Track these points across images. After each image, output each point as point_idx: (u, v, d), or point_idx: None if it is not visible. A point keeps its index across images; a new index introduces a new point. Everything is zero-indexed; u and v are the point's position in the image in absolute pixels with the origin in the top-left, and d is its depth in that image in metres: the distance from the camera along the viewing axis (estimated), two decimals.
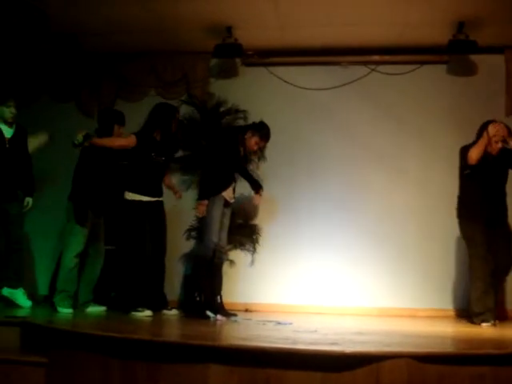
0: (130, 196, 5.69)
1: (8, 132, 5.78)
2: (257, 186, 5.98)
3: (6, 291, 5.59)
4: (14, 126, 5.82)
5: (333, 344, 3.28)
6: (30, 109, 7.06)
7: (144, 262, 5.58)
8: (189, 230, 6.77)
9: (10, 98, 5.85)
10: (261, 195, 5.99)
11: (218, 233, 5.54)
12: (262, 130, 5.79)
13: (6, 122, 5.76)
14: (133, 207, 5.66)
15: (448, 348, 3.55)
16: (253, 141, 5.75)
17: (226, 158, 5.68)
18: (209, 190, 5.61)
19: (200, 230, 5.64)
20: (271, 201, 7.13)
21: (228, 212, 5.80)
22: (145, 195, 5.70)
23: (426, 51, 7.14)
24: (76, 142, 5.42)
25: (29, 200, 5.85)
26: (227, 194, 5.70)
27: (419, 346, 3.65)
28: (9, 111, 5.74)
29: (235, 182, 5.90)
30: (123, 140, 5.76)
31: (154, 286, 5.72)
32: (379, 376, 3.01)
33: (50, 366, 3.73)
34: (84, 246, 5.60)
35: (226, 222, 5.77)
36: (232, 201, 5.83)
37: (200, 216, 5.71)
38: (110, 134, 5.79)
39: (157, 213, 5.78)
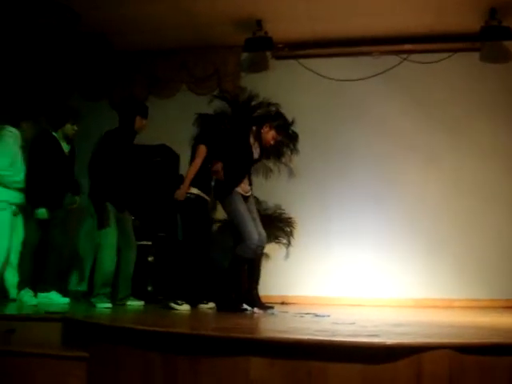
0: (195, 191, 5.66)
1: (66, 147, 5.90)
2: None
3: (41, 297, 5.65)
4: (70, 142, 5.95)
5: (372, 336, 3.26)
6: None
7: (193, 255, 5.60)
8: (222, 225, 6.81)
9: (76, 116, 5.93)
10: None
11: (255, 229, 5.35)
12: (279, 123, 5.53)
13: (66, 139, 5.86)
14: (191, 201, 5.65)
15: (488, 338, 3.50)
16: (270, 135, 5.46)
17: (236, 153, 5.49)
18: (220, 192, 5.51)
19: (237, 232, 5.40)
20: (304, 194, 7.14)
21: (251, 206, 5.58)
22: (202, 192, 5.70)
23: (459, 39, 7.07)
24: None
25: (77, 198, 5.97)
26: (241, 188, 5.46)
27: (459, 336, 3.61)
28: (72, 129, 5.83)
29: (249, 174, 5.63)
30: (200, 158, 5.63)
31: (195, 280, 5.72)
32: (420, 367, 2.98)
33: (92, 361, 3.75)
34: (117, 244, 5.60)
35: (256, 216, 5.58)
36: (248, 194, 5.56)
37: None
38: (131, 125, 5.60)
39: (205, 209, 5.79)
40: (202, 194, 5.72)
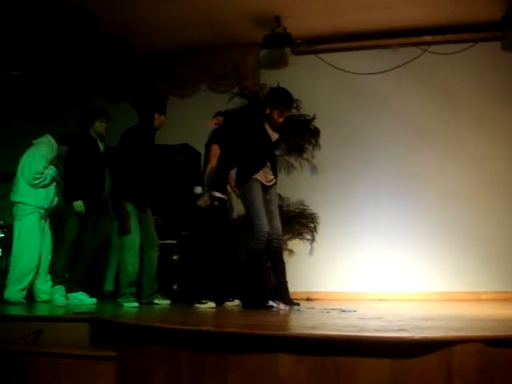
0: (199, 190, 5.65)
1: (102, 146, 5.94)
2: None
3: (70, 297, 5.71)
4: (103, 140, 5.99)
5: (401, 330, 3.24)
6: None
7: (212, 254, 5.61)
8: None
9: (103, 113, 5.96)
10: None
11: (267, 222, 5.15)
12: (278, 100, 5.31)
13: (99, 137, 5.90)
14: (214, 207, 5.64)
15: None
16: (275, 114, 5.26)
17: (251, 140, 5.33)
18: (240, 179, 5.35)
19: (249, 222, 5.26)
20: (327, 189, 7.12)
21: (272, 197, 5.39)
22: (219, 192, 5.70)
23: (479, 28, 6.99)
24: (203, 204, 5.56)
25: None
26: (262, 177, 5.26)
27: (488, 329, 3.57)
28: (102, 126, 5.88)
29: (272, 161, 5.40)
30: (215, 158, 5.62)
31: (219, 278, 5.73)
32: (450, 361, 2.95)
33: (120, 360, 3.79)
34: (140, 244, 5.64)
35: (274, 208, 5.37)
36: (271, 183, 5.37)
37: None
38: (150, 122, 5.60)
39: (225, 209, 5.79)
40: (222, 196, 5.74)
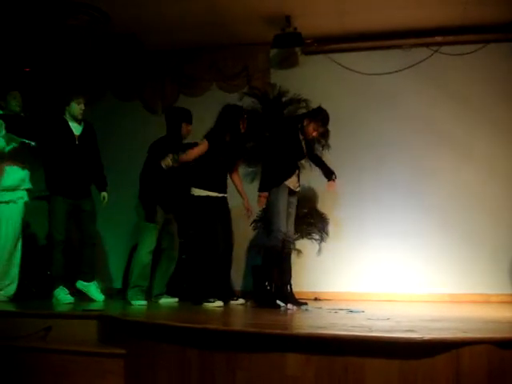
0: (197, 192, 5.74)
1: (77, 129, 5.74)
2: (329, 174, 5.86)
3: (80, 284, 5.71)
4: (82, 122, 5.80)
5: (409, 331, 3.24)
6: (94, 107, 7.19)
7: (215, 254, 5.64)
8: (255, 221, 6.82)
9: (80, 94, 5.82)
10: (334, 181, 5.86)
11: (285, 223, 5.50)
12: (318, 116, 5.68)
13: (75, 119, 5.73)
14: (201, 202, 5.72)
15: None
16: (311, 128, 5.64)
17: (287, 148, 5.63)
18: (269, 182, 5.57)
19: (267, 221, 5.57)
20: (337, 189, 7.10)
21: (294, 201, 5.73)
22: (212, 191, 5.76)
23: (490, 30, 6.95)
24: (165, 166, 5.63)
25: (104, 194, 5.90)
26: (291, 182, 5.62)
27: (498, 331, 3.57)
28: (79, 108, 5.70)
29: (299, 170, 5.82)
30: (199, 149, 5.76)
31: (223, 278, 5.77)
32: (459, 362, 2.95)
33: (129, 357, 3.81)
34: (156, 243, 5.72)
35: (292, 211, 5.71)
36: (297, 189, 5.76)
37: (260, 208, 5.73)
38: (178, 132, 5.85)
39: (223, 208, 5.83)
40: (215, 194, 5.77)
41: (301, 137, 5.71)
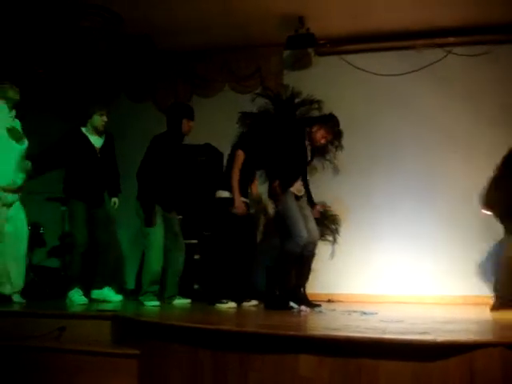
0: (223, 194, 5.72)
1: (98, 142, 5.78)
2: (311, 202, 5.74)
3: (95, 294, 5.72)
4: (103, 134, 5.83)
5: (423, 333, 3.23)
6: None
7: (235, 256, 5.64)
8: (266, 224, 6.83)
9: (103, 106, 5.81)
10: (318, 210, 5.76)
11: (305, 227, 5.38)
12: (329, 123, 5.61)
13: (96, 131, 5.75)
14: (227, 204, 5.68)
15: None
16: (319, 134, 5.55)
17: (291, 153, 5.54)
18: (274, 191, 5.49)
19: (286, 230, 5.42)
20: (349, 190, 7.09)
21: (304, 203, 5.63)
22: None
23: (503, 30, 6.91)
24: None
25: (115, 200, 5.94)
26: (295, 188, 5.53)
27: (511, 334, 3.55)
28: (101, 120, 5.72)
29: (303, 174, 5.67)
30: (238, 164, 5.69)
31: (240, 279, 5.75)
32: (473, 365, 2.93)
33: (142, 358, 3.82)
34: (163, 243, 5.64)
35: (308, 212, 5.60)
36: (301, 193, 5.61)
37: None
38: (178, 128, 5.68)
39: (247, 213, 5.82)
40: (244, 199, 5.76)
41: (307, 142, 5.62)
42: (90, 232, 5.72)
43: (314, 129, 5.55)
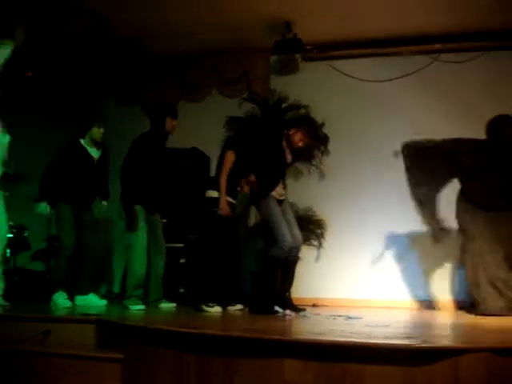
0: (213, 194, 5.69)
1: (96, 153, 5.89)
2: None
3: (79, 300, 5.70)
4: (101, 146, 5.94)
5: (408, 338, 3.25)
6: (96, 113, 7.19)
7: (222, 258, 5.63)
8: (252, 228, 6.83)
9: (101, 119, 5.92)
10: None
11: (289, 232, 5.37)
12: (305, 125, 5.61)
13: (94, 143, 5.86)
14: (214, 205, 5.65)
15: None
16: (297, 137, 5.51)
17: (269, 157, 5.52)
18: (255, 196, 5.51)
19: (270, 234, 5.43)
20: (335, 195, 7.11)
21: (286, 208, 5.63)
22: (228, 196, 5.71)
23: (489, 37, 6.96)
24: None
25: (105, 203, 6.01)
26: (276, 192, 5.51)
27: (497, 339, 3.57)
28: (99, 132, 5.82)
29: (283, 177, 5.66)
30: (227, 165, 5.65)
31: (226, 283, 5.74)
32: (457, 370, 2.94)
33: (126, 362, 3.80)
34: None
35: (291, 217, 5.61)
36: (282, 198, 5.60)
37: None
38: (162, 126, 5.65)
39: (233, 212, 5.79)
40: (231, 200, 5.75)
41: (284, 144, 5.59)
42: (77, 235, 5.73)
43: (291, 132, 5.53)
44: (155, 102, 6.26)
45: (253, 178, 5.49)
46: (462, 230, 5.84)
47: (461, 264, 5.92)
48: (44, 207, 5.76)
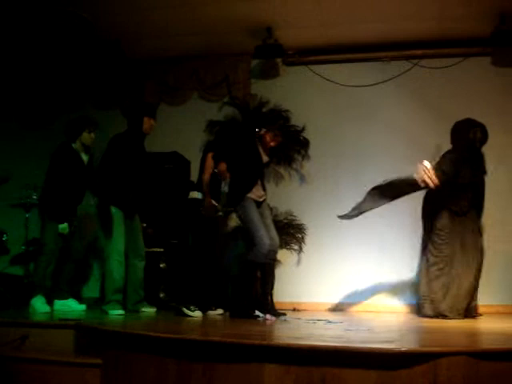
0: (195, 195, 5.70)
1: (85, 157, 5.84)
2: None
3: (58, 305, 5.65)
4: (89, 151, 5.88)
5: (387, 342, 3.26)
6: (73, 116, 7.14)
7: (203, 261, 5.62)
8: (233, 232, 6.81)
9: (91, 124, 5.84)
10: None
11: (267, 235, 5.33)
12: (274, 125, 5.61)
13: (84, 148, 5.81)
14: (197, 206, 5.67)
15: (504, 344, 3.47)
16: (267, 137, 5.50)
17: (244, 159, 5.50)
18: (234, 197, 5.48)
19: (248, 237, 5.45)
20: (315, 199, 7.11)
21: (265, 211, 5.58)
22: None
23: (470, 43, 7.03)
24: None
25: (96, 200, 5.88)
26: (254, 194, 5.45)
27: (476, 342, 3.60)
28: (89, 137, 5.77)
29: (261, 179, 5.60)
30: (209, 166, 5.68)
31: (206, 287, 5.72)
32: (436, 374, 2.97)
33: (105, 367, 3.77)
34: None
35: (269, 221, 5.58)
36: (262, 199, 5.56)
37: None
38: (139, 126, 5.61)
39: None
40: (214, 202, 5.73)
41: (258, 144, 5.57)
42: (61, 240, 5.67)
43: (262, 131, 5.52)
44: (131, 101, 6.19)
45: (223, 166, 5.47)
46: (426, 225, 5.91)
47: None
48: (65, 228, 5.66)
